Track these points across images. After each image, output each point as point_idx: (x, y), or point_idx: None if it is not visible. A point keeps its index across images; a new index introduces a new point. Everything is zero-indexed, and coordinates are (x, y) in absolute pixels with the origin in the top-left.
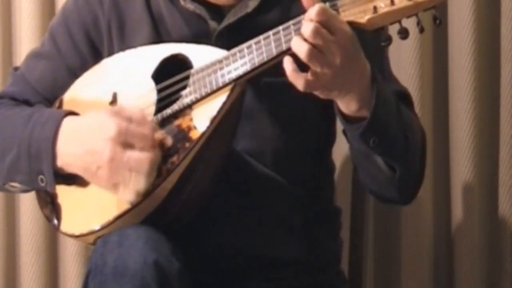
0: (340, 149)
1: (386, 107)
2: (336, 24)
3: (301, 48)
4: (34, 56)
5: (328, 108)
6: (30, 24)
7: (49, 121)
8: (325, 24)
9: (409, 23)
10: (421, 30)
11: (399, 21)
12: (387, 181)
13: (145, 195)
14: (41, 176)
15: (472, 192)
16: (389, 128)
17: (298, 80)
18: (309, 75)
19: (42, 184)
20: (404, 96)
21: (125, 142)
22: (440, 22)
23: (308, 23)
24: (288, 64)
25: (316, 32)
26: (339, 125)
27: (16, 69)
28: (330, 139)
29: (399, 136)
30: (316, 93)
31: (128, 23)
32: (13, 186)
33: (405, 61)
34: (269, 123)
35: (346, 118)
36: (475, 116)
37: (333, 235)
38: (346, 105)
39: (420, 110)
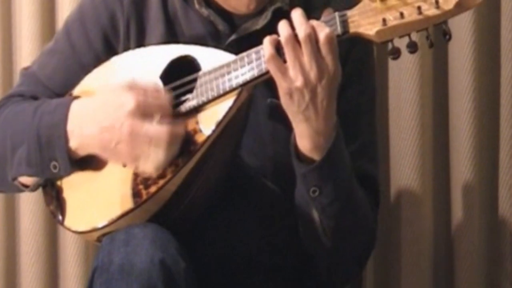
0: None
1: (338, 167)
2: (330, 54)
3: (286, 34)
4: (47, 52)
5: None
6: (30, 24)
7: (58, 108)
8: (324, 50)
9: (414, 33)
10: (431, 45)
11: (408, 35)
12: (318, 245)
13: (174, 173)
14: (54, 163)
15: (472, 192)
16: (332, 188)
17: (267, 47)
18: (285, 65)
19: (55, 171)
20: (369, 182)
21: (143, 115)
22: (450, 37)
23: (304, 24)
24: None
25: (308, 38)
26: None
27: (27, 68)
28: None
29: (342, 206)
30: (280, 94)
31: (146, 22)
32: (24, 184)
33: (405, 61)
34: (271, 142)
35: (298, 155)
36: (475, 116)
37: None
38: (300, 136)
39: (420, 110)
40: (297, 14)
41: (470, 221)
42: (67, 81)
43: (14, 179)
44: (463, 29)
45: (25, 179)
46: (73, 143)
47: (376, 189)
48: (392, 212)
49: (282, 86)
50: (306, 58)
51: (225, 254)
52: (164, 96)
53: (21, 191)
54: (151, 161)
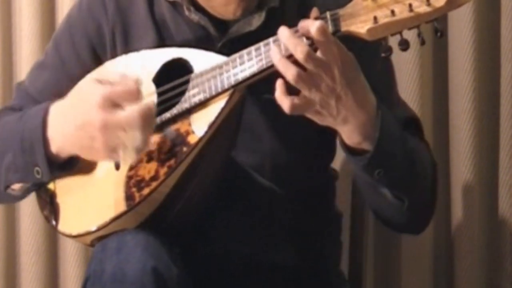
0: (340, 152)
1: (391, 140)
2: (331, 48)
3: (288, 71)
4: (38, 67)
5: (328, 126)
6: (30, 24)
7: (38, 112)
8: (321, 45)
9: (409, 32)
10: (422, 43)
11: (400, 33)
12: (395, 211)
13: (167, 175)
14: (36, 168)
15: (472, 192)
16: (393, 160)
17: (283, 103)
18: (296, 99)
19: (39, 176)
20: (412, 123)
21: (112, 104)
22: (441, 34)
23: (299, 45)
24: (278, 86)
25: (308, 56)
26: None
27: (20, 83)
28: (330, 155)
29: (405, 168)
30: (309, 116)
31: (132, 30)
32: (14, 190)
33: (405, 61)
34: (268, 138)
35: (349, 150)
36: (475, 116)
37: (333, 239)
38: (348, 136)
39: (420, 110)
40: (284, 36)
41: (470, 221)
42: (58, 94)
43: (6, 187)
44: (463, 29)
45: (15, 185)
46: (53, 147)
47: (420, 125)
48: None
49: (307, 111)
50: (313, 73)
51: (224, 255)
52: (130, 80)
53: (14, 200)
54: (129, 146)
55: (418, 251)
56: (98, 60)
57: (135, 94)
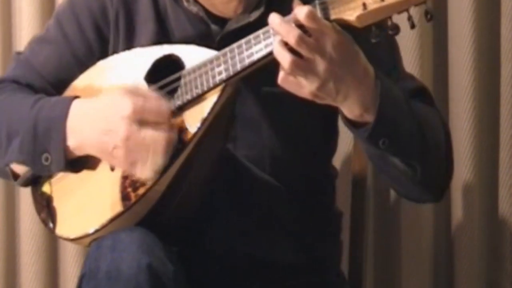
0: (340, 151)
1: (394, 107)
2: (324, 32)
3: (284, 58)
4: (39, 40)
5: (329, 122)
6: (30, 24)
7: (58, 104)
8: (312, 30)
9: (410, 33)
10: (412, 26)
11: (390, 17)
12: (409, 180)
13: (162, 174)
14: (46, 155)
15: (472, 192)
16: (399, 128)
17: (284, 57)
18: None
19: (46, 163)
20: (421, 92)
21: (140, 120)
22: (431, 17)
23: (291, 30)
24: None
25: (300, 40)
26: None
27: (19, 53)
28: (330, 150)
29: (413, 134)
30: (308, 98)
31: (135, 18)
32: (15, 175)
33: (405, 61)
34: (268, 132)
35: (351, 123)
36: (475, 116)
37: (333, 238)
38: (348, 110)
39: None
40: (275, 23)
41: (470, 221)
42: (60, 69)
43: (6, 165)
44: (463, 29)
45: (17, 168)
46: (71, 142)
47: (429, 94)
48: (393, 212)
49: (304, 94)
50: (309, 59)
51: (223, 253)
52: (163, 102)
53: (12, 179)
54: (149, 167)
55: (418, 251)
56: (103, 39)
57: (165, 118)
